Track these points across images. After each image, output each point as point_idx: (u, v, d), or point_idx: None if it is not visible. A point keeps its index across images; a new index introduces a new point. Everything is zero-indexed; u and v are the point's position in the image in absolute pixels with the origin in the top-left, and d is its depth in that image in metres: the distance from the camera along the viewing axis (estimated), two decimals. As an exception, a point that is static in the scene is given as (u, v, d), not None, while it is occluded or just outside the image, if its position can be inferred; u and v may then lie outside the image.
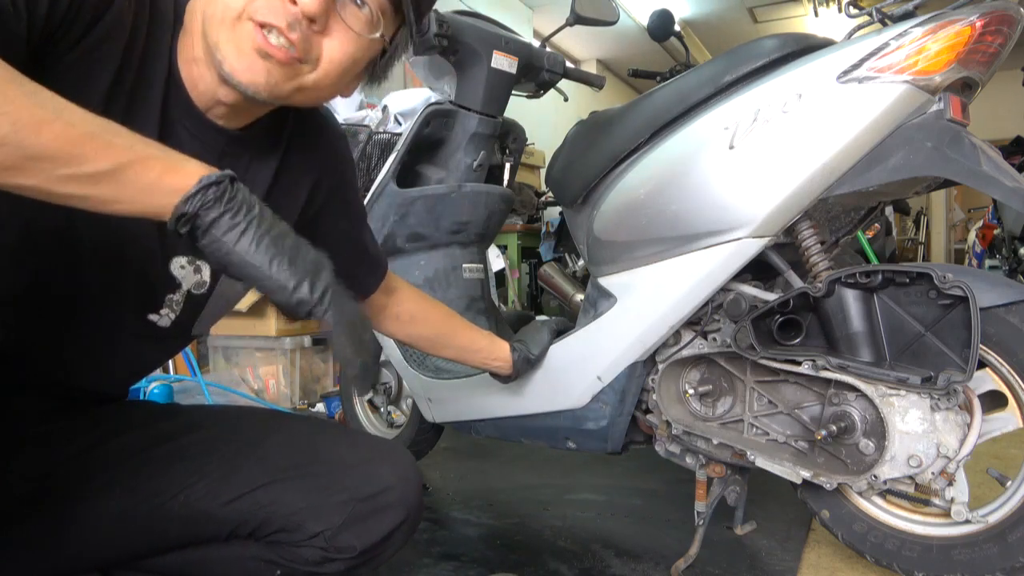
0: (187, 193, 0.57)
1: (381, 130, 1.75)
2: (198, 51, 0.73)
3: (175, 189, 0.57)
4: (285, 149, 0.89)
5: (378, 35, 0.77)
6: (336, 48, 0.74)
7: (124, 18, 0.69)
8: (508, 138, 1.76)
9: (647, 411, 1.34)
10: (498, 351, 1.27)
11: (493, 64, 1.60)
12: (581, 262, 3.55)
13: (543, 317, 1.58)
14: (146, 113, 0.73)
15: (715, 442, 1.22)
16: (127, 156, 0.55)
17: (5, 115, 0.50)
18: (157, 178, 0.57)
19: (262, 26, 0.69)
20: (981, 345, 1.03)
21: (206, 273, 0.87)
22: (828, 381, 1.12)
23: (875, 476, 1.05)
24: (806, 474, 1.11)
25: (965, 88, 1.08)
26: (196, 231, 0.59)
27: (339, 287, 0.64)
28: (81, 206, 0.56)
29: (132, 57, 0.70)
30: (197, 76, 0.75)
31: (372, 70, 0.83)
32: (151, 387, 2.31)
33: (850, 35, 1.16)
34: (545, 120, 5.54)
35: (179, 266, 0.83)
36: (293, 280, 0.60)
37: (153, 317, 0.85)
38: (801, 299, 1.12)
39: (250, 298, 2.75)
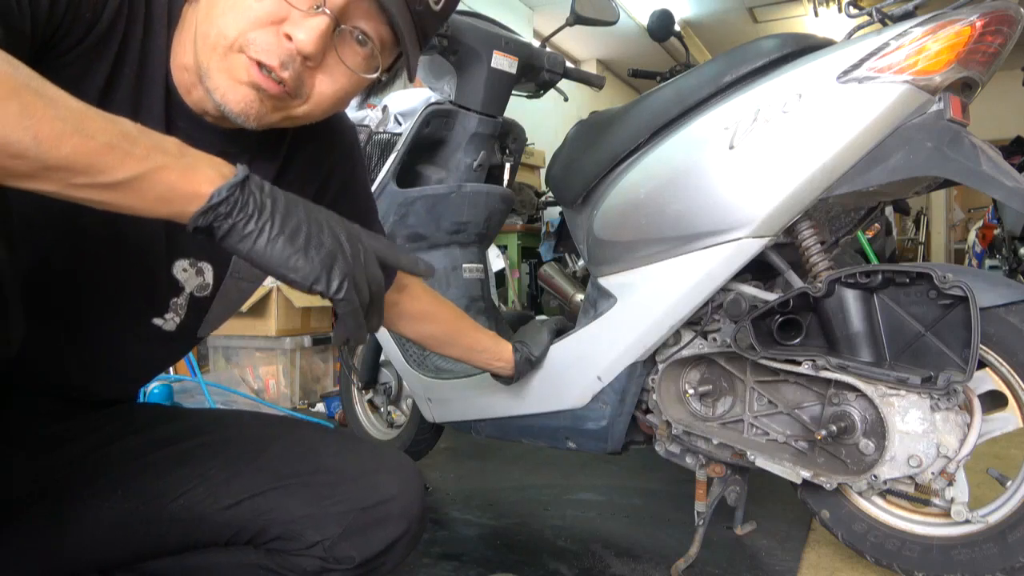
0: (200, 209, 0.58)
1: (381, 130, 1.75)
2: (189, 60, 0.73)
3: (189, 197, 0.58)
4: (290, 144, 0.88)
5: (375, 75, 0.76)
6: (329, 84, 0.74)
7: (120, 16, 0.68)
8: (508, 138, 1.76)
9: (647, 411, 1.34)
10: (502, 352, 1.27)
11: (493, 64, 1.60)
12: (581, 262, 3.55)
13: (543, 317, 1.58)
14: (151, 115, 0.73)
15: (715, 442, 1.22)
16: (143, 167, 0.56)
17: (27, 129, 0.50)
18: (171, 188, 0.57)
19: (256, 62, 0.69)
20: (981, 345, 1.03)
21: (208, 275, 0.87)
22: (828, 381, 1.12)
23: (875, 476, 1.05)
24: (806, 474, 1.11)
25: (965, 88, 1.08)
26: (212, 236, 0.60)
27: (355, 277, 0.65)
28: (98, 207, 0.57)
29: (129, 56, 0.70)
30: (189, 84, 0.75)
31: (366, 94, 0.83)
32: (151, 387, 2.31)
33: (850, 35, 1.16)
34: (545, 120, 5.53)
35: (181, 269, 0.83)
36: (311, 277, 0.62)
37: (158, 321, 0.84)
38: (801, 299, 1.12)
39: (251, 299, 2.75)
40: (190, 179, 0.58)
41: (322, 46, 0.70)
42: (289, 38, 0.68)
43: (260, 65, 0.69)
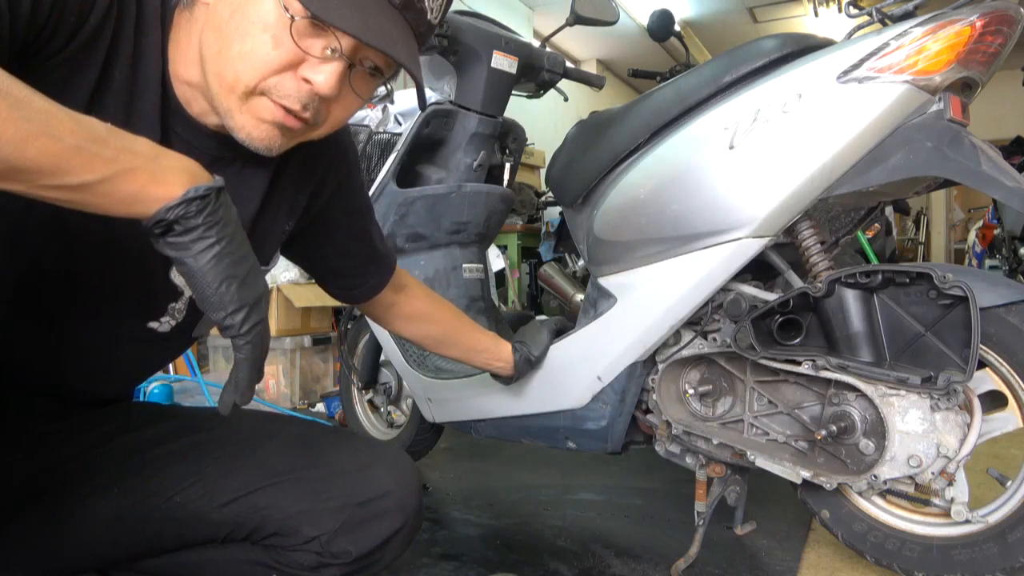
0: (171, 203, 0.57)
1: (381, 130, 1.75)
2: (192, 76, 0.73)
3: (158, 199, 0.58)
4: None
5: (382, 91, 0.79)
6: (342, 110, 0.77)
7: (108, 19, 0.67)
8: (508, 138, 1.76)
9: (647, 411, 1.34)
10: (501, 352, 1.27)
11: (493, 64, 1.60)
12: (581, 262, 3.55)
13: (543, 317, 1.58)
14: (144, 118, 0.73)
15: (715, 442, 1.22)
16: (112, 168, 0.55)
17: None
18: (141, 189, 0.57)
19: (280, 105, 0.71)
20: (981, 345, 1.03)
21: None
22: (828, 381, 1.12)
23: (875, 476, 1.05)
24: (806, 474, 1.11)
25: (965, 88, 1.08)
26: (167, 232, 0.59)
27: (265, 325, 0.66)
28: (67, 207, 0.56)
29: (120, 59, 0.69)
30: (191, 97, 0.75)
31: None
32: (151, 387, 2.31)
33: (850, 35, 1.15)
34: (545, 120, 5.53)
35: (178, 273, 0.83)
36: (233, 305, 0.62)
37: (153, 324, 0.84)
38: (801, 299, 1.12)
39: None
40: (162, 181, 0.58)
41: (340, 88, 0.72)
42: (307, 81, 0.70)
43: (283, 107, 0.70)
